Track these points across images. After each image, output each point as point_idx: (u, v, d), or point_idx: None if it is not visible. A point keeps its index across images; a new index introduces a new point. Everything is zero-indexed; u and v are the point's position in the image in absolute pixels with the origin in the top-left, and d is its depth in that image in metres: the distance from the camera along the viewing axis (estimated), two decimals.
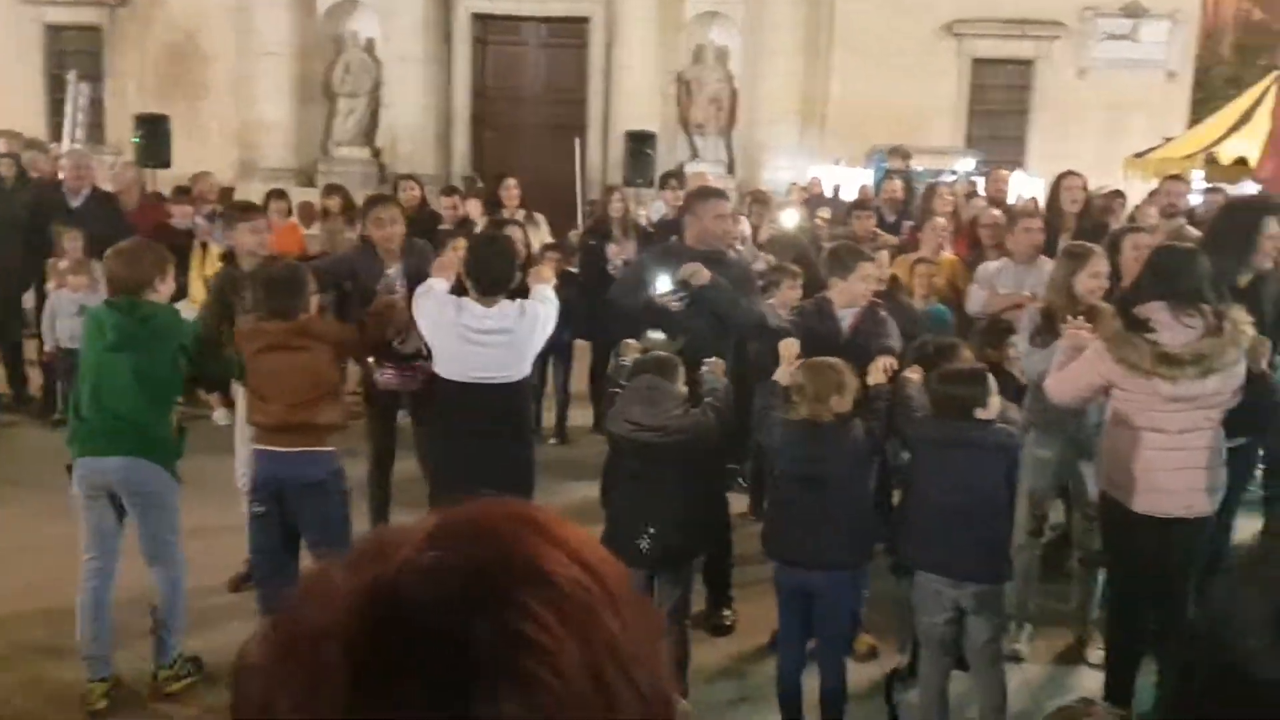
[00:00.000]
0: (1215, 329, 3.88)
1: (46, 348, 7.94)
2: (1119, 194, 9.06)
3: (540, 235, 8.71)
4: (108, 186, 9.08)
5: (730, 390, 4.58)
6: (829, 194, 13.07)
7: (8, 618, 4.91)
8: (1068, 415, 4.65)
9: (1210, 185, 10.42)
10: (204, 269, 7.44)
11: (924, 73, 17.41)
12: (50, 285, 8.11)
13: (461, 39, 18.61)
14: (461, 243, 5.93)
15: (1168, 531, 3.97)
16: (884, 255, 6.26)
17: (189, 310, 7.19)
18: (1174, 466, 3.93)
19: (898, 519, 4.35)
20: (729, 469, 5.71)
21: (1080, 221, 7.30)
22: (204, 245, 7.78)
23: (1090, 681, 4.62)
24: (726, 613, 5.06)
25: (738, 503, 5.83)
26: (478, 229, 8.09)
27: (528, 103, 19.15)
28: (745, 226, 8.20)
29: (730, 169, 18.02)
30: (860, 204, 9.23)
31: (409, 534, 0.70)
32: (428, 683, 0.62)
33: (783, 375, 4.33)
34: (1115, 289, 4.98)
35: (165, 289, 4.47)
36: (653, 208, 10.74)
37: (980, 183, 11.85)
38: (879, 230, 8.53)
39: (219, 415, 7.74)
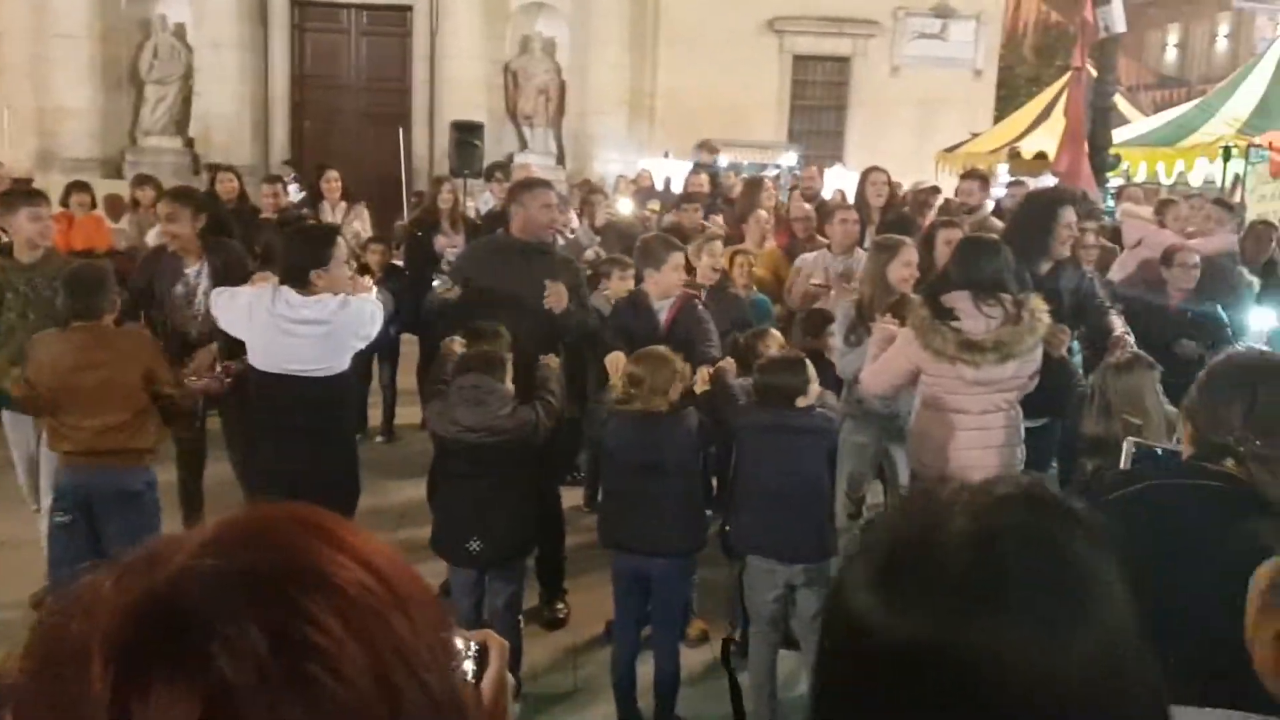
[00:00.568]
0: (1014, 317, 4.10)
1: None
2: (936, 189, 9.49)
3: (363, 228, 8.48)
4: None
5: (563, 384, 4.58)
6: (659, 186, 13.19)
7: None
8: (881, 405, 4.86)
9: (1014, 179, 11.03)
10: None
11: (747, 68, 17.80)
12: None
13: (278, 25, 17.94)
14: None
15: None
16: (717, 245, 6.35)
17: None
18: (975, 445, 4.14)
19: (725, 506, 4.45)
20: (562, 463, 5.71)
21: (885, 215, 7.60)
22: None
23: None
24: (560, 606, 5.06)
25: (570, 495, 5.83)
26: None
27: (349, 91, 18.63)
28: (573, 218, 8.20)
29: (560, 160, 18.00)
30: (688, 196, 9.35)
31: (184, 542, 0.68)
32: (199, 693, 0.60)
33: (616, 388, 4.36)
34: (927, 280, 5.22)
35: None
36: (481, 199, 10.62)
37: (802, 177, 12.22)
38: (706, 223, 8.67)
39: None
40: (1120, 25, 9.74)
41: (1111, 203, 10.80)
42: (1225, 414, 2.20)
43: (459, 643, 1.62)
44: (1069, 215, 5.00)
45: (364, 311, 4.43)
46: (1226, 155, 10.67)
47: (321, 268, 4.34)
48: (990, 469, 4.16)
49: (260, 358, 4.37)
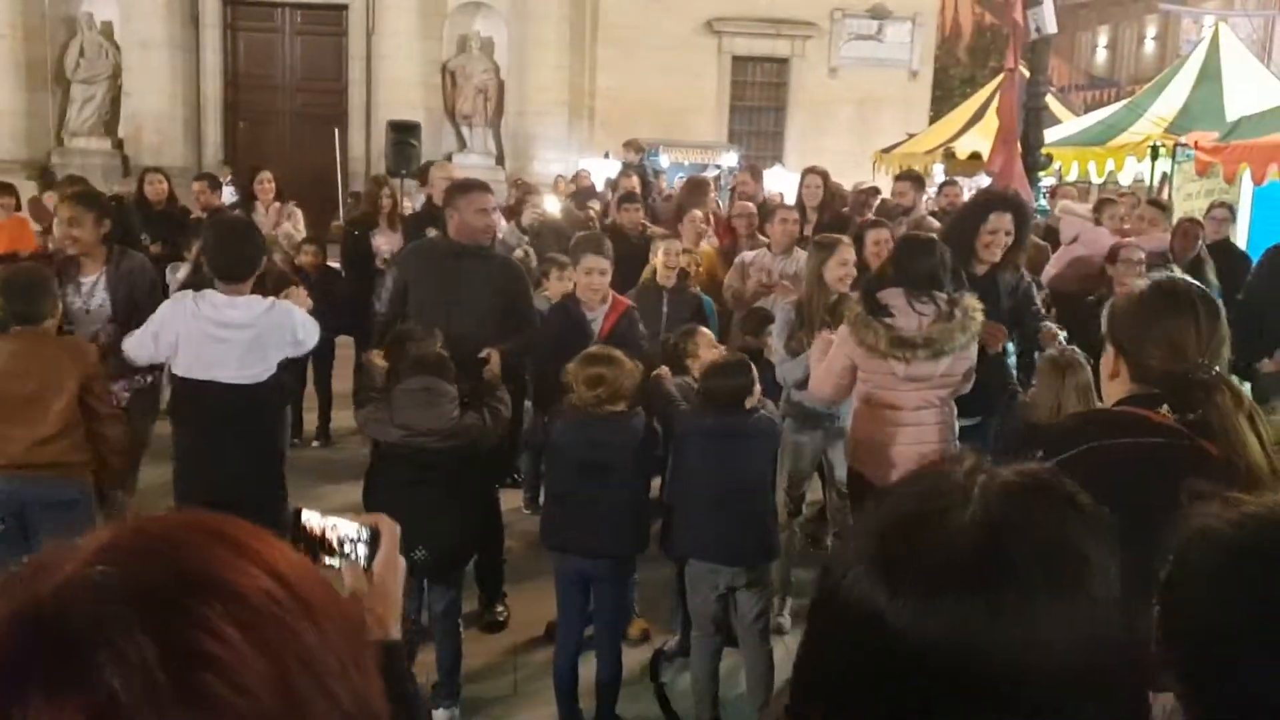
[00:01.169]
0: (947, 315, 4.13)
1: None
2: (875, 190, 9.57)
3: (295, 229, 8.35)
4: None
5: (504, 389, 4.53)
6: (600, 187, 13.18)
7: None
8: (821, 406, 4.87)
9: (946, 179, 11.16)
10: None
11: (686, 69, 17.86)
12: None
13: (210, 24, 17.65)
14: None
15: None
16: (675, 244, 6.35)
17: None
18: (908, 441, 4.15)
19: (665, 508, 4.41)
20: (502, 466, 5.65)
21: (823, 215, 7.64)
22: None
23: None
24: (500, 609, 5.01)
25: (510, 498, 5.78)
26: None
27: (283, 91, 18.38)
28: (500, 220, 8.15)
29: (499, 160, 17.91)
30: (628, 196, 9.33)
31: (76, 551, 0.65)
32: (82, 708, 0.57)
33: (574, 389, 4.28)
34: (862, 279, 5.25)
35: None
36: (417, 199, 10.50)
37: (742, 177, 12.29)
38: (646, 222, 8.66)
39: None
40: (1051, 27, 9.90)
41: (1044, 202, 10.98)
42: (1181, 339, 2.11)
43: (352, 528, 1.63)
44: (996, 221, 4.97)
45: (294, 317, 4.32)
46: (1154, 154, 10.91)
47: (253, 271, 4.25)
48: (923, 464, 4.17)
49: (183, 365, 4.24)
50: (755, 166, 9.90)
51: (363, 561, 1.55)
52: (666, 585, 4.66)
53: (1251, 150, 9.05)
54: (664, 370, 4.59)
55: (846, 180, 10.83)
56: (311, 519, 1.58)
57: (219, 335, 4.15)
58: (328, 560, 1.56)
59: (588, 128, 17.94)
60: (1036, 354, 4.96)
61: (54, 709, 0.57)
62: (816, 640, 0.92)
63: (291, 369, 4.72)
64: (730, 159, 15.46)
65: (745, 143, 17.62)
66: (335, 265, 7.98)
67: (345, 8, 17.87)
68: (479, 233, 5.04)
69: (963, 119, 15.32)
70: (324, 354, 7.56)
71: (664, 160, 15.18)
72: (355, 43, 17.94)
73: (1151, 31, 31.05)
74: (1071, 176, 12.39)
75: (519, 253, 7.48)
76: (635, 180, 10.42)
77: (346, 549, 1.57)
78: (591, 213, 9.13)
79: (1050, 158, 11.52)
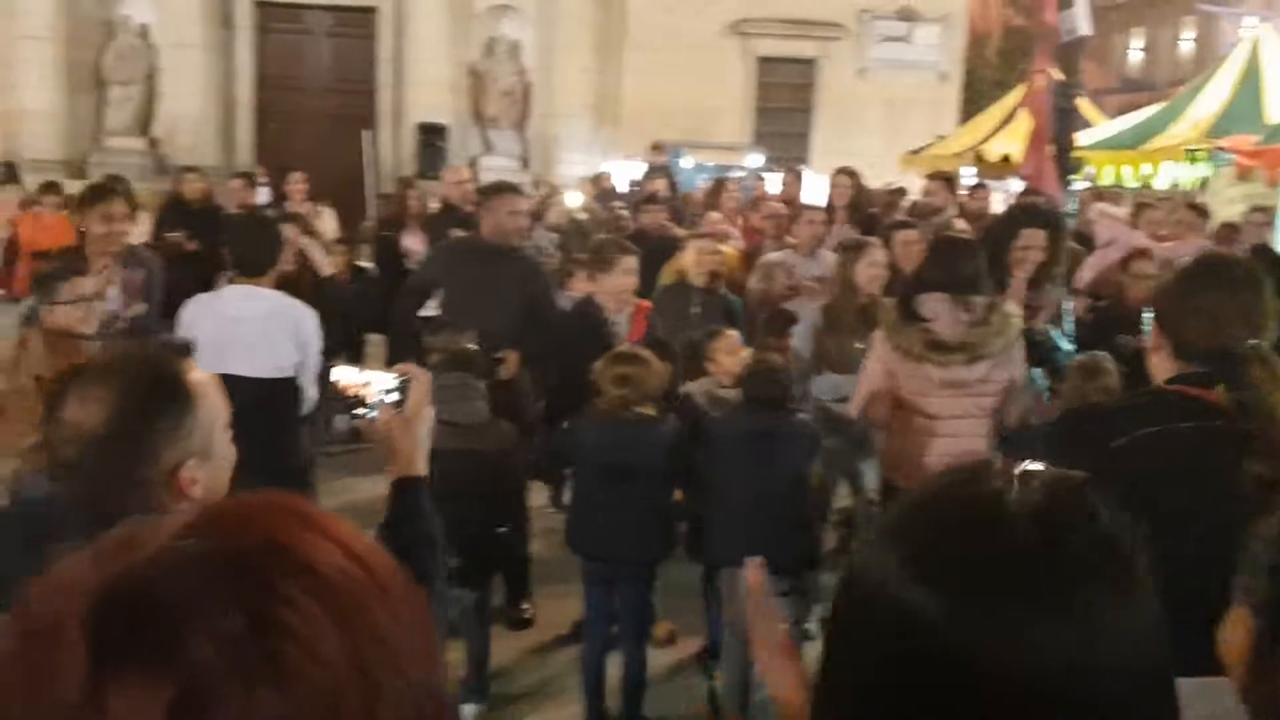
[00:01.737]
0: (983, 319, 4.04)
1: None
2: (902, 190, 9.54)
3: (327, 229, 8.44)
4: None
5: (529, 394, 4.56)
6: (624, 189, 13.20)
7: None
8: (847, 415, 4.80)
9: (976, 182, 11.09)
10: None
11: (712, 71, 17.84)
12: None
13: (242, 26, 17.83)
14: None
15: None
16: (707, 244, 6.34)
17: None
18: (945, 452, 4.00)
19: (695, 512, 4.36)
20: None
21: (851, 215, 7.61)
22: None
23: None
24: (526, 606, 5.04)
25: (536, 494, 5.80)
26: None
27: (313, 93, 18.53)
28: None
29: (525, 163, 17.97)
30: (650, 198, 9.35)
31: (166, 525, 0.67)
32: (173, 674, 0.59)
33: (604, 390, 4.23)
34: (894, 280, 5.23)
35: None
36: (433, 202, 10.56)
37: (770, 179, 12.27)
38: (667, 223, 8.67)
39: None
40: (1085, 29, 9.81)
41: (1075, 206, 10.90)
42: (1219, 312, 2.07)
43: (387, 379, 1.89)
44: (1029, 237, 4.86)
45: (302, 313, 4.32)
46: (1192, 158, 10.78)
47: (272, 263, 4.30)
48: None
49: (205, 360, 4.23)
50: (796, 169, 9.86)
51: (394, 404, 1.77)
52: (693, 587, 4.66)
53: None
54: (697, 382, 4.56)
55: (874, 183, 10.80)
56: (346, 376, 1.81)
57: (232, 327, 4.14)
58: (361, 412, 1.79)
59: (612, 130, 17.97)
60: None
61: (146, 678, 0.59)
62: (844, 644, 0.87)
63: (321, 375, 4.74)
64: (755, 160, 15.44)
65: (771, 144, 17.59)
66: (365, 265, 8.07)
67: (374, 10, 18.00)
68: (511, 234, 5.12)
69: (993, 121, 15.21)
70: (353, 350, 7.64)
71: (688, 161, 15.18)
72: (384, 45, 18.06)
73: (1189, 33, 30.71)
74: (1105, 180, 12.28)
75: (544, 242, 7.54)
76: (662, 183, 10.44)
77: (379, 399, 1.79)
78: (624, 213, 9.09)
79: (1083, 161, 11.43)
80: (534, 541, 5.16)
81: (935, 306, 4.06)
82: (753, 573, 1.54)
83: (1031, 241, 4.79)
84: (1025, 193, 9.17)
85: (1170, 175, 11.77)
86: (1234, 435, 1.98)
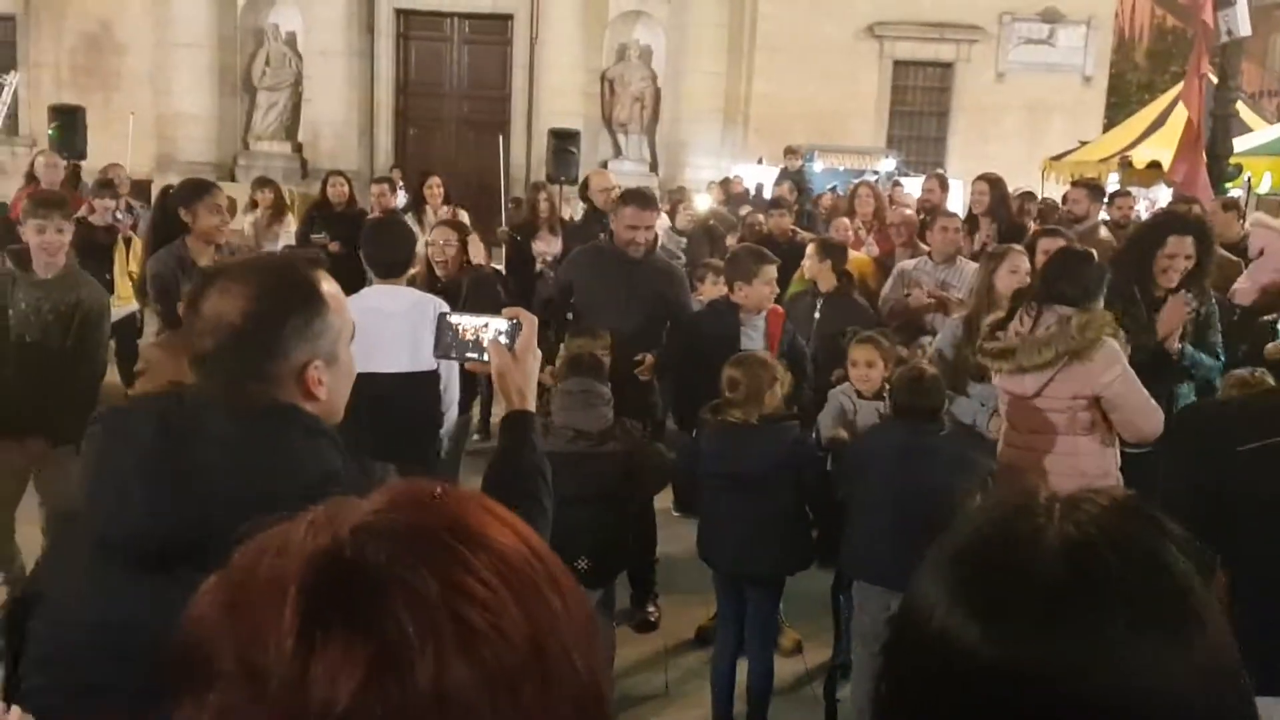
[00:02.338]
0: (1053, 331, 3.82)
1: None
2: (1030, 195, 9.22)
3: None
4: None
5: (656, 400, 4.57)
6: (752, 192, 13.14)
7: None
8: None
9: (1118, 190, 10.65)
10: (129, 264, 7.29)
11: (845, 74, 17.63)
12: None
13: (384, 33, 18.40)
14: None
15: None
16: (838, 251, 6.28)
17: (117, 306, 6.99)
18: (1025, 466, 3.87)
19: (839, 530, 4.25)
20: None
21: (996, 223, 7.39)
22: (126, 241, 7.57)
23: None
24: (651, 609, 5.04)
25: (662, 498, 5.81)
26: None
27: (450, 98, 19.00)
28: (663, 218, 8.23)
29: (653, 167, 18.07)
30: (776, 202, 9.27)
31: (363, 502, 0.73)
32: (375, 636, 0.63)
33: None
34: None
35: None
36: (575, 206, 10.69)
37: (906, 184, 12.03)
38: (797, 228, 8.58)
39: None
40: (1244, 29, 9.37)
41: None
42: None
43: (501, 322, 2.02)
44: (1175, 244, 4.65)
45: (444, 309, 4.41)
46: None
47: (407, 267, 4.40)
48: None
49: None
50: (942, 175, 9.64)
51: (506, 343, 1.91)
52: (818, 595, 4.59)
53: None
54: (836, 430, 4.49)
55: (1010, 187, 10.49)
56: (462, 321, 1.95)
57: (378, 323, 4.11)
58: (474, 355, 1.94)
59: (741, 133, 17.92)
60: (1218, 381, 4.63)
61: (351, 637, 0.63)
62: (898, 678, 0.87)
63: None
64: (888, 164, 15.18)
65: (905, 148, 17.28)
66: (497, 268, 8.20)
67: (510, 17, 18.35)
68: (627, 245, 5.12)
69: (1141, 126, 14.62)
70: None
71: (818, 165, 15.03)
72: (519, 51, 18.40)
73: None
74: (1263, 188, 11.67)
75: (670, 245, 7.57)
76: (786, 187, 10.34)
77: (491, 340, 1.92)
78: (759, 217, 9.02)
79: (1240, 168, 10.89)
80: (660, 544, 5.17)
81: (1046, 317, 3.92)
82: None
83: (1178, 249, 4.57)
84: (1176, 200, 8.79)
85: None
86: None
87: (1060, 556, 0.80)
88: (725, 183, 13.49)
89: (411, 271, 4.88)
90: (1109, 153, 14.32)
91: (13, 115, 17.05)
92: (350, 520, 0.70)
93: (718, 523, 4.16)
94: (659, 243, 6.35)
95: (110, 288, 7.23)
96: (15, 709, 1.45)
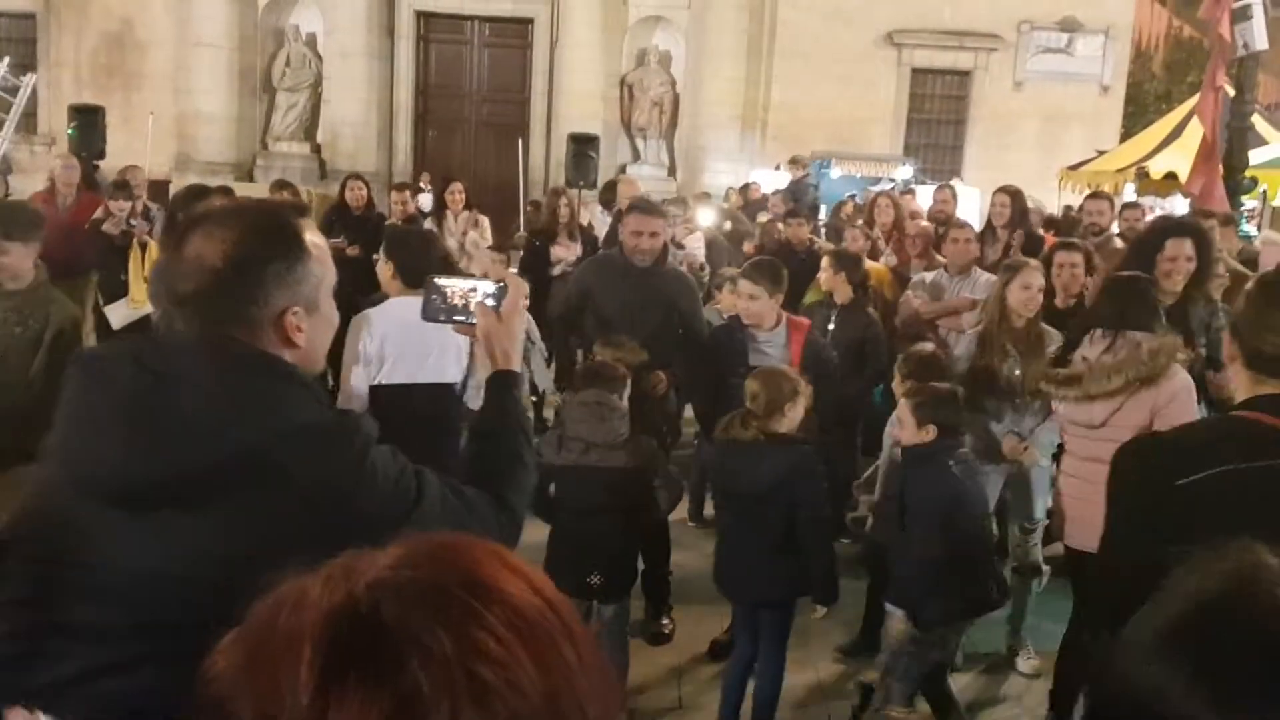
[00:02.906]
0: (1120, 357, 3.81)
1: None
2: (1035, 210, 9.18)
3: (481, 237, 8.67)
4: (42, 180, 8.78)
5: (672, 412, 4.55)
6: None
7: None
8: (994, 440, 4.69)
9: (1129, 201, 10.62)
10: (144, 269, 7.33)
11: (863, 81, 17.63)
12: None
13: (404, 35, 18.46)
14: None
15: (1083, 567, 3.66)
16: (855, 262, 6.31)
17: (131, 310, 7.04)
18: (1078, 495, 3.86)
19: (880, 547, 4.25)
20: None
21: (1012, 235, 7.39)
22: (142, 244, 7.62)
23: (1018, 688, 4.72)
24: (665, 622, 5.05)
25: (677, 510, 5.84)
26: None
27: (470, 101, 19.06)
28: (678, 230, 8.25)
29: (671, 172, 18.10)
30: (793, 211, 9.28)
31: (378, 556, 0.74)
32: (391, 692, 0.65)
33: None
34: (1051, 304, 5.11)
35: None
36: (594, 209, 10.73)
37: (920, 191, 12.03)
38: (814, 237, 8.60)
39: None
40: (1261, 42, 9.35)
41: (1248, 227, 10.38)
42: None
43: (489, 285, 2.09)
44: (1174, 247, 4.67)
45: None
46: None
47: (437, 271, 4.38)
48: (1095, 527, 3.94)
49: (392, 371, 4.24)
50: (950, 185, 9.65)
51: (493, 305, 1.97)
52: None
53: None
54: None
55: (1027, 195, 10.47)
56: (450, 284, 2.01)
57: (411, 335, 4.11)
58: (461, 318, 1.99)
59: (759, 139, 17.93)
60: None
61: (366, 692, 0.65)
62: None
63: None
64: (905, 172, 15.17)
65: (922, 156, 17.26)
66: (517, 272, 8.25)
67: (531, 21, 18.40)
68: (634, 253, 5.09)
69: (1158, 137, 14.56)
70: None
71: (836, 172, 15.04)
72: (539, 55, 18.44)
73: None
74: (1279, 201, 11.65)
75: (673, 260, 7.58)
76: (782, 197, 10.36)
77: (479, 303, 1.98)
78: (780, 225, 9.02)
79: (1255, 181, 10.87)
80: (675, 556, 5.20)
81: (1094, 342, 3.93)
82: None
83: (1177, 251, 4.60)
84: (1194, 212, 8.78)
85: None
86: None
87: None
88: (745, 189, 13.52)
89: None
90: (1126, 163, 14.28)
91: (31, 113, 17.15)
92: (366, 575, 0.71)
93: (721, 542, 4.15)
94: (673, 252, 6.38)
95: (124, 290, 7.30)
96: (40, 715, 1.47)
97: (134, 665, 1.48)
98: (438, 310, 2.00)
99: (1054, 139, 17.18)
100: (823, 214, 12.38)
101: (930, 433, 3.89)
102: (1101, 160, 15.35)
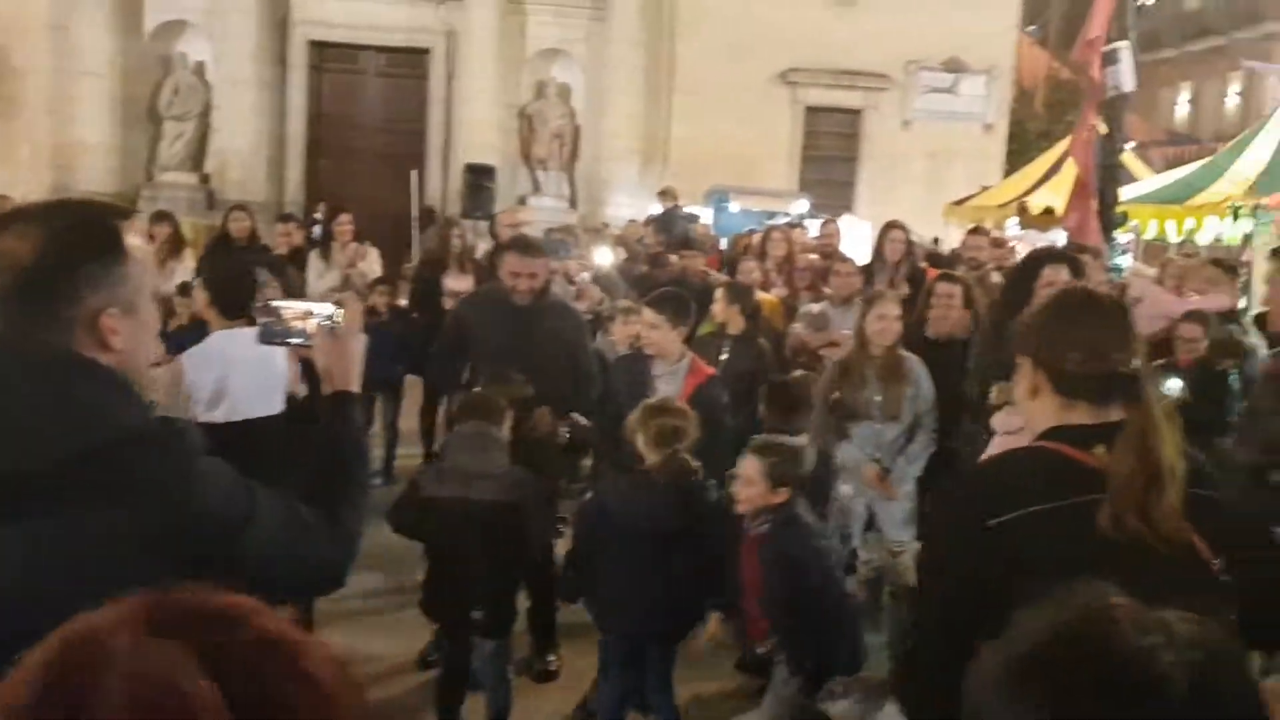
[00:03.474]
0: None
1: None
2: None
3: (370, 269, 8.54)
4: None
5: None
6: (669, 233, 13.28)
7: None
8: (861, 457, 4.82)
9: (995, 236, 10.93)
10: None
11: (760, 118, 17.93)
12: None
13: (297, 65, 18.20)
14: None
15: None
16: (749, 294, 6.38)
17: None
18: None
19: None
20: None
21: (899, 269, 7.57)
22: None
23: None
24: (551, 658, 4.98)
25: (561, 545, 5.77)
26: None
27: (365, 131, 18.83)
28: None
29: (573, 204, 18.12)
30: (686, 243, 9.37)
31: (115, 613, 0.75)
32: None
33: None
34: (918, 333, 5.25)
35: None
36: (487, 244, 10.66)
37: (812, 226, 12.26)
38: (709, 269, 8.69)
39: None
40: (1129, 84, 9.78)
41: (1120, 260, 10.79)
42: (1100, 339, 1.93)
43: (325, 307, 2.06)
44: (1051, 274, 4.82)
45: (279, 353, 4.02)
46: (1235, 215, 10.69)
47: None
48: None
49: (234, 406, 3.86)
50: (833, 220, 9.87)
51: (329, 326, 2.00)
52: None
53: None
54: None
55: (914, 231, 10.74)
56: (286, 306, 2.03)
57: (236, 369, 3.84)
58: (292, 340, 2.01)
59: (660, 173, 18.07)
60: None
61: None
62: None
63: (361, 406, 4.71)
64: (801, 206, 15.46)
65: (817, 192, 17.60)
66: (405, 304, 8.13)
67: (427, 51, 18.31)
68: (508, 293, 5.02)
69: (1038, 173, 15.14)
70: (392, 391, 7.71)
71: (734, 207, 15.26)
72: (436, 85, 18.35)
73: (1236, 88, 30.46)
74: (1149, 235, 12.17)
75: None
76: (650, 230, 10.45)
77: (315, 324, 2.00)
78: (673, 258, 9.04)
79: (1126, 215, 11.33)
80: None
81: None
82: None
83: (1055, 278, 4.72)
84: (1069, 246, 9.09)
85: (1214, 231, 11.65)
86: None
87: (1188, 694, 0.73)
88: (627, 228, 13.62)
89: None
90: (1007, 198, 14.80)
91: None
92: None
93: (619, 581, 3.99)
94: (564, 287, 6.35)
95: None
96: None
97: None
98: (273, 333, 1.99)
99: (940, 175, 17.70)
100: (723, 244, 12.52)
101: (784, 494, 3.86)
102: (985, 195, 15.88)
